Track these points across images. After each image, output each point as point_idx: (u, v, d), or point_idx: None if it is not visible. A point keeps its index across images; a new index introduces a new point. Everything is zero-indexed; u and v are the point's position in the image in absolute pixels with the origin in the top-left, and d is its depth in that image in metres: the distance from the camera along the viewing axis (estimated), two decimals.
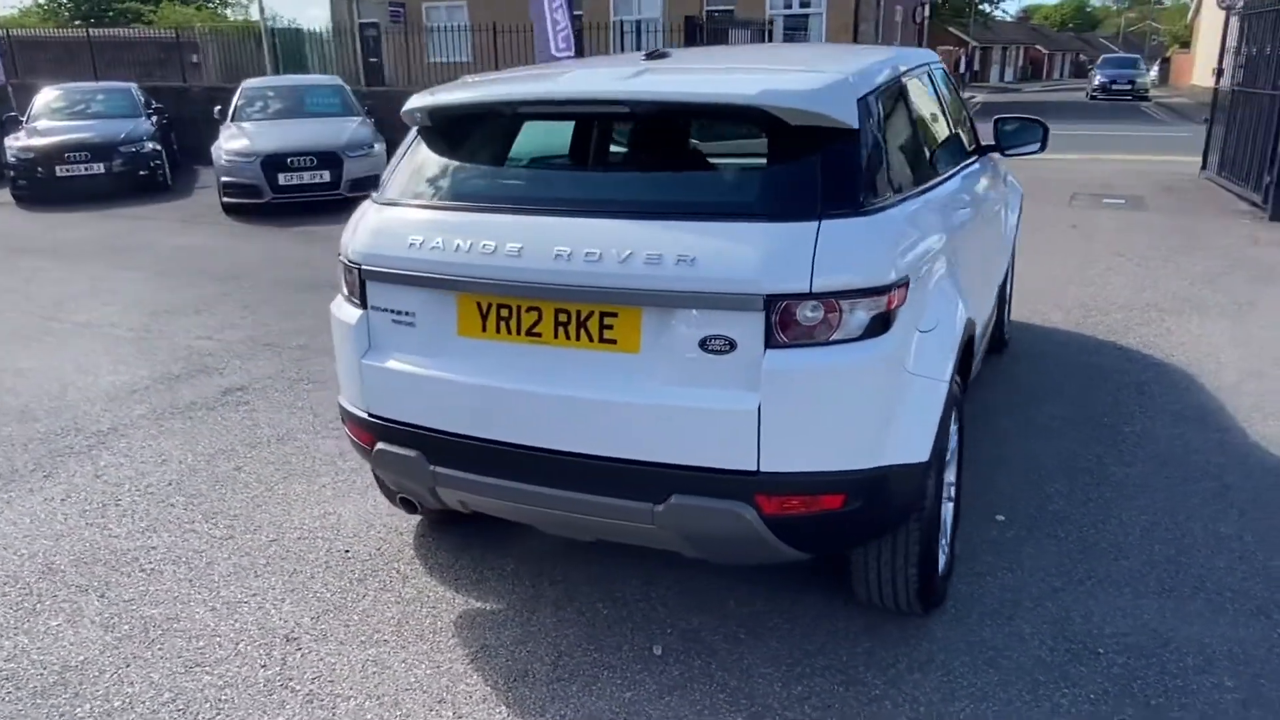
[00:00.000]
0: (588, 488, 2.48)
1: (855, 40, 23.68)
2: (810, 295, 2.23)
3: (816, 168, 2.35)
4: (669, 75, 2.64)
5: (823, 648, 2.78)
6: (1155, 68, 42.43)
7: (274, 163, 10.39)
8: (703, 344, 2.31)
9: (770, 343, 2.26)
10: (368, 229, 2.74)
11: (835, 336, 2.27)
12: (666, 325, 2.34)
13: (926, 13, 32.55)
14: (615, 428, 2.42)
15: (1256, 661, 2.67)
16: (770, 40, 14.61)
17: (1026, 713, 2.50)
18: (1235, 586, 3.04)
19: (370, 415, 2.79)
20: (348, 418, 2.91)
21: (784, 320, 2.24)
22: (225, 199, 10.69)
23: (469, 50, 21.60)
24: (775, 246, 2.25)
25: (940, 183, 3.03)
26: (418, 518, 3.61)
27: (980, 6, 48.17)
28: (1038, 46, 67.01)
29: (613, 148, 3.41)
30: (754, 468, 2.32)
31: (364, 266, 2.71)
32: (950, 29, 45.37)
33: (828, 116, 2.36)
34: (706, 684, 2.64)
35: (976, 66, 43.17)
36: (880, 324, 2.31)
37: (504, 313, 2.53)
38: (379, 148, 11.07)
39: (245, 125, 11.27)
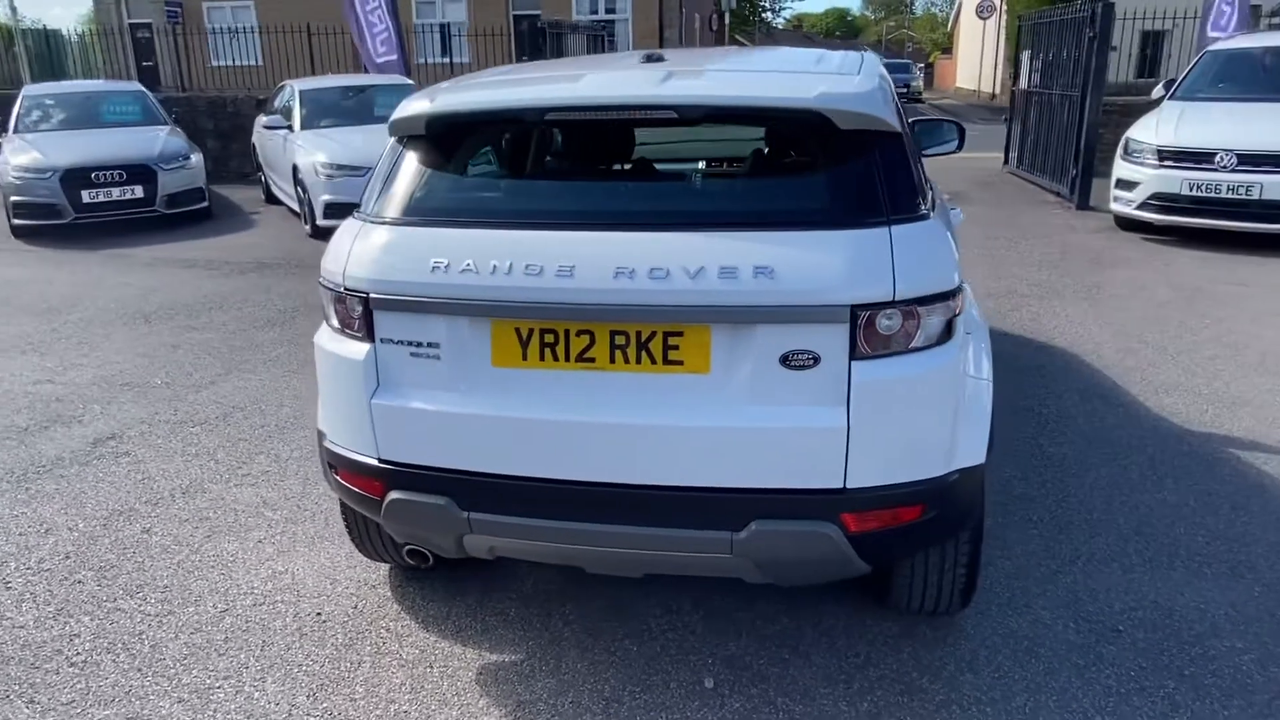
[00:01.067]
0: (655, 521, 2.31)
1: (661, 46, 24.21)
2: (893, 303, 2.17)
3: (877, 172, 2.30)
4: (704, 79, 2.51)
5: (869, 658, 2.74)
6: (920, 72, 46.04)
7: (75, 178, 9.27)
8: (784, 359, 2.20)
9: (854, 354, 2.19)
10: (374, 251, 2.43)
11: (914, 344, 2.22)
12: (741, 342, 2.21)
13: (727, 20, 33.72)
14: (686, 454, 2.26)
15: (1254, 621, 2.88)
16: (606, 45, 14.61)
17: (1083, 698, 2.56)
18: (1201, 551, 3.28)
19: (382, 462, 2.47)
20: (344, 466, 2.58)
21: (867, 330, 2.18)
22: (16, 221, 9.42)
23: (258, 53, 20.25)
24: (855, 254, 2.18)
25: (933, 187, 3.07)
26: (385, 567, 3.28)
27: (764, 14, 50.58)
28: None
29: (637, 155, 3.23)
30: (840, 485, 2.23)
31: (373, 294, 2.40)
32: (737, 37, 47.28)
33: (880, 119, 2.31)
34: (772, 713, 2.54)
35: None
36: (948, 329, 2.29)
37: (549, 338, 2.31)
38: (196, 159, 10.11)
39: (32, 137, 9.97)
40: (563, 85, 2.52)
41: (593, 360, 2.29)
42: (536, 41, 10.12)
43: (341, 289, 2.46)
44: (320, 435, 2.74)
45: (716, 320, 2.20)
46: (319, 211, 8.83)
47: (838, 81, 2.40)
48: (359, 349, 2.45)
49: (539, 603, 3.05)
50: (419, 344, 2.39)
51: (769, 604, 2.99)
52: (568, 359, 2.31)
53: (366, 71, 12.94)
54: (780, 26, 67.47)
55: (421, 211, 2.48)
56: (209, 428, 4.59)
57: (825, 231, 2.21)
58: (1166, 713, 2.50)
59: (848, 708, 2.55)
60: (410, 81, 10.90)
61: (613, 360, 2.28)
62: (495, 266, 2.28)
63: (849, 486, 2.23)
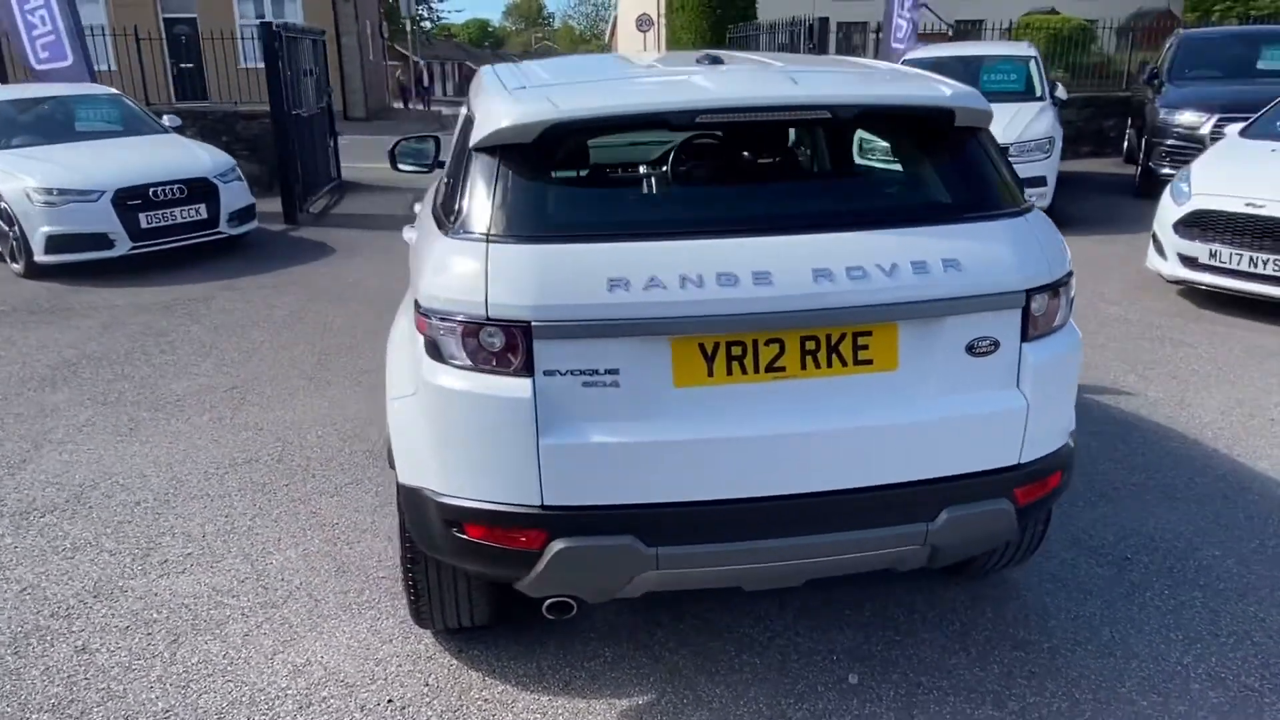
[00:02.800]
0: (849, 525, 2.29)
1: (340, 53, 23.01)
2: (1050, 285, 2.34)
3: (1000, 164, 2.46)
4: (837, 79, 2.49)
5: (965, 625, 2.91)
6: None
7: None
8: (969, 348, 2.28)
9: (1025, 336, 2.32)
10: (531, 273, 2.14)
11: (1057, 323, 2.41)
12: (929, 335, 2.26)
13: (407, 26, 32.69)
14: (881, 453, 2.27)
15: (1211, 532, 3.44)
16: (330, 49, 13.52)
17: (1147, 621, 2.91)
18: (1134, 483, 3.83)
19: (546, 509, 2.20)
20: (481, 521, 2.26)
21: (1032, 313, 2.32)
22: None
23: None
24: (1019, 241, 2.31)
25: None
26: (426, 635, 2.91)
27: (421, 24, 49.70)
28: (468, 63, 71.23)
29: (750, 157, 3.04)
30: (1016, 462, 2.36)
31: (536, 322, 2.12)
32: (396, 46, 46.06)
33: (990, 116, 2.47)
34: (925, 691, 2.61)
35: (427, 83, 44.51)
36: (1070, 307, 2.50)
37: (736, 351, 2.19)
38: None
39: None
40: (692, 86, 2.38)
41: (783, 369, 2.22)
42: (271, 45, 9.20)
43: (483, 319, 2.16)
44: (411, 492, 2.38)
45: (907, 316, 2.23)
46: (37, 246, 7.40)
47: (943, 83, 2.52)
48: (516, 385, 2.15)
49: (626, 637, 2.87)
50: (594, 372, 2.16)
51: (844, 593, 3.05)
52: (757, 370, 2.21)
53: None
54: (434, 37, 66.74)
55: (578, 226, 2.24)
56: (66, 514, 3.73)
57: (989, 222, 2.32)
58: (1211, 620, 2.93)
59: (982, 672, 2.69)
60: (115, 91, 9.44)
61: (803, 367, 2.23)
62: (685, 280, 2.13)
63: (1022, 462, 2.37)
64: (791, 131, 3.35)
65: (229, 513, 3.73)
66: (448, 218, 2.41)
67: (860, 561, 2.41)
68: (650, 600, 2.86)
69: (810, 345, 2.22)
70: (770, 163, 2.89)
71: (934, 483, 2.30)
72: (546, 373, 2.15)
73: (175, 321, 6.42)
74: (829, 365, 2.23)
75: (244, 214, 8.47)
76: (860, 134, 2.96)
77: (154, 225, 7.71)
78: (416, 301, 2.35)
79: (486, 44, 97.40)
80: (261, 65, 9.46)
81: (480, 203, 2.29)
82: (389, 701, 2.63)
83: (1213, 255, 5.95)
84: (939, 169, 2.44)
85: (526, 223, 2.24)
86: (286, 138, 9.65)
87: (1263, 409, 4.57)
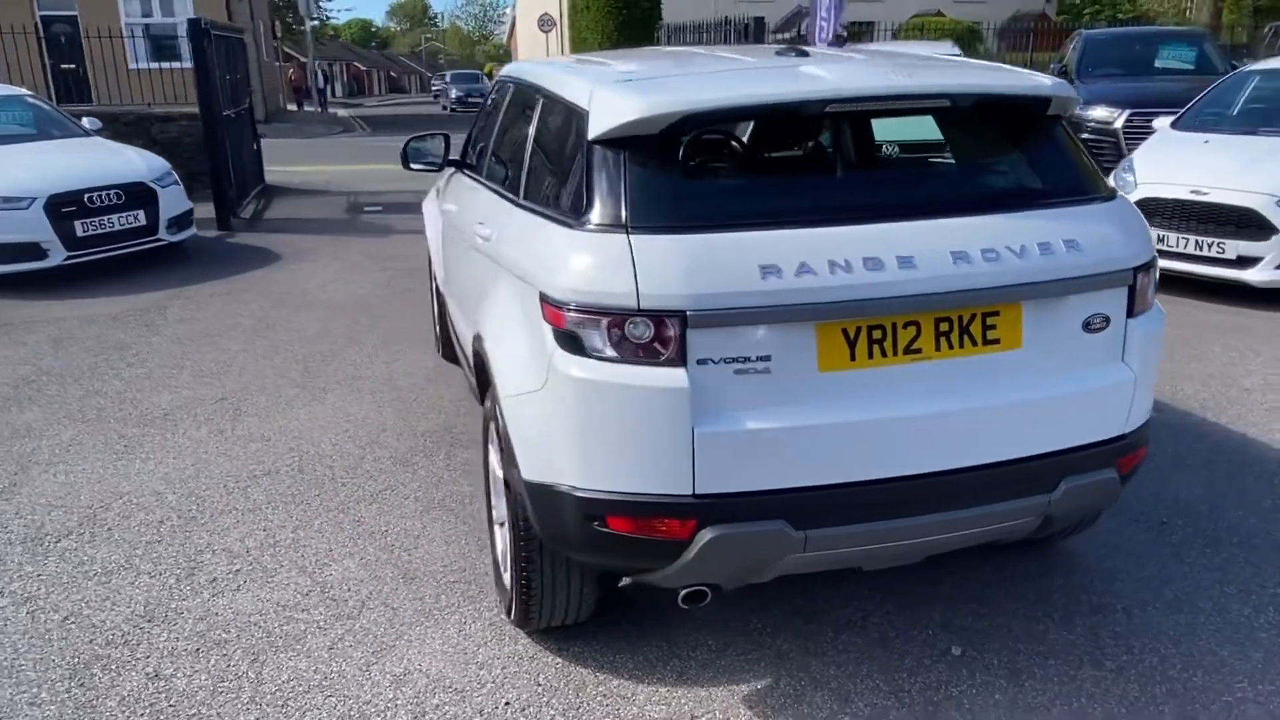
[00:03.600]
0: (977, 500, 2.37)
1: (263, 51, 22.10)
2: (1149, 264, 2.47)
3: (1083, 151, 2.58)
4: (939, 70, 2.55)
5: (1045, 592, 3.04)
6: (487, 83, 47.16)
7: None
8: (1086, 325, 2.39)
9: (1129, 313, 2.45)
10: (683, 263, 2.13)
11: (1150, 299, 2.55)
12: (1048, 312, 2.35)
13: (307, 25, 31.58)
14: (1011, 429, 2.35)
15: (1231, 494, 3.67)
16: (247, 41, 12.93)
17: (1202, 578, 3.10)
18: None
19: (698, 497, 2.21)
20: (626, 512, 2.24)
21: (1136, 289, 2.45)
22: None
23: None
24: (1123, 222, 2.44)
25: None
26: (521, 636, 2.86)
27: (312, 22, 48.15)
28: (356, 64, 69.49)
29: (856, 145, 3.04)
30: (1122, 432, 2.49)
31: (691, 311, 2.12)
32: (286, 47, 44.61)
33: (1077, 103, 2.59)
34: (1027, 657, 2.72)
35: (323, 84, 43.20)
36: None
37: (876, 334, 2.24)
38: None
39: None
40: (812, 77, 2.42)
41: (919, 351, 2.28)
42: (201, 44, 8.79)
43: (633, 310, 2.14)
44: (541, 489, 2.35)
45: (1033, 296, 2.32)
46: None
47: (1034, 74, 2.62)
48: (670, 375, 2.15)
49: (723, 626, 2.89)
50: (746, 359, 2.18)
51: (924, 572, 3.11)
52: (895, 353, 2.26)
53: None
54: (321, 37, 64.83)
55: (724, 215, 2.25)
56: (84, 538, 3.51)
57: (1096, 204, 2.44)
58: (1253, 574, 3.14)
59: (1070, 636, 2.82)
60: (26, 91, 8.85)
61: (938, 348, 2.29)
62: (834, 265, 2.17)
63: (1126, 432, 2.50)
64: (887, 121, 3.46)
65: (266, 526, 3.57)
66: (569, 210, 2.38)
67: (980, 535, 2.50)
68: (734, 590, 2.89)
69: (944, 327, 2.28)
70: (888, 151, 2.96)
71: (1056, 455, 2.40)
72: (699, 361, 2.16)
73: (133, 334, 6.08)
74: (960, 346, 2.31)
75: (183, 220, 8.08)
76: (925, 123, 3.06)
77: (91, 233, 7.27)
78: (543, 294, 2.32)
79: (373, 44, 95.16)
80: (154, 66, 9.06)
81: (612, 195, 2.27)
82: (505, 704, 2.58)
83: (1160, 240, 6.33)
84: (1039, 155, 2.55)
85: (670, 213, 2.24)
86: (218, 141, 9.24)
87: (1235, 380, 4.90)
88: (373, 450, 4.23)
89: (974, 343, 2.31)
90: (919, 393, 2.28)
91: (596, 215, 2.28)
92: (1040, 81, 2.50)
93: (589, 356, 2.22)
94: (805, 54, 2.76)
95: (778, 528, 2.24)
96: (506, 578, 2.90)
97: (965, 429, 2.32)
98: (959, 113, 2.51)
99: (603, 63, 3.00)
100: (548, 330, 2.32)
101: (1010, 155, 2.54)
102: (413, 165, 4.37)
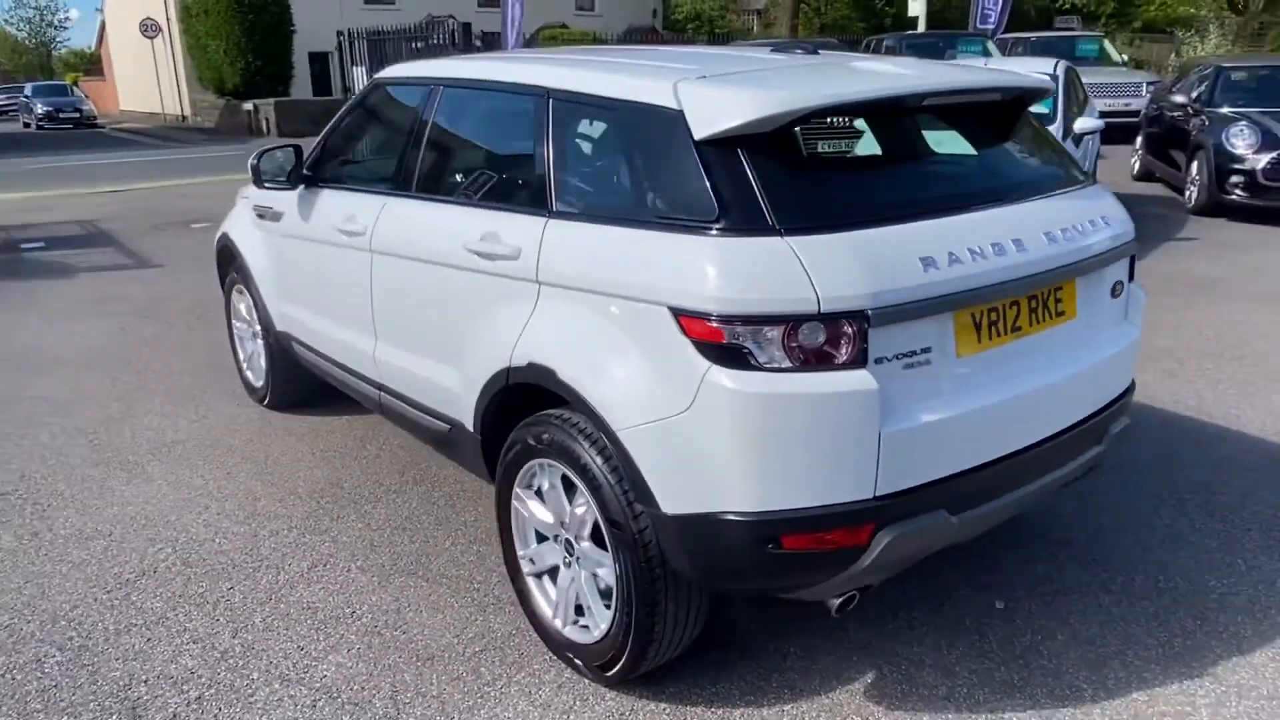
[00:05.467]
0: (1067, 458, 2.57)
1: None
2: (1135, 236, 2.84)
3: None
4: (966, 69, 2.65)
5: (1105, 558, 3.35)
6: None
7: None
8: (1112, 291, 2.69)
9: (1130, 278, 2.79)
10: (857, 260, 2.06)
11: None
12: (1092, 284, 2.61)
13: None
14: (1087, 389, 2.59)
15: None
16: None
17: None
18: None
19: (878, 499, 2.16)
20: (804, 528, 2.14)
21: (1133, 258, 2.80)
22: None
23: None
24: (1117, 201, 2.77)
25: None
26: (607, 694, 2.61)
27: None
28: None
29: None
30: (1131, 381, 2.83)
31: (872, 310, 2.06)
32: None
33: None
34: (1076, 599, 2.99)
35: None
36: None
37: (993, 316, 2.35)
38: None
39: None
40: (900, 74, 2.44)
41: (1019, 329, 2.42)
42: None
43: (813, 314, 2.04)
44: (696, 522, 2.18)
45: (1089, 268, 2.56)
46: None
47: (1026, 72, 2.88)
48: (857, 378, 2.08)
49: (792, 631, 2.84)
50: (913, 353, 2.17)
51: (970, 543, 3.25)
52: (1005, 332, 2.39)
53: None
54: None
55: (874, 210, 2.21)
56: (139, 589, 2.59)
57: (1094, 187, 2.74)
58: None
59: (1089, 573, 3.15)
60: None
61: (1031, 324, 2.45)
62: (973, 253, 2.24)
63: (1133, 384, 2.85)
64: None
65: (193, 638, 2.87)
66: (683, 216, 2.20)
67: (1051, 491, 2.71)
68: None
69: (1033, 303, 2.45)
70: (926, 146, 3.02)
71: (1105, 409, 2.68)
72: (877, 360, 2.12)
73: None
74: (1042, 320, 2.48)
75: None
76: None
77: None
78: (678, 309, 2.13)
79: None
80: None
81: (746, 196, 2.15)
82: None
83: None
84: (1043, 145, 2.80)
85: (817, 211, 2.17)
86: None
87: None
88: (261, 524, 3.57)
89: (1050, 316, 2.51)
90: (1026, 367, 2.43)
91: (733, 219, 2.13)
92: (1040, 77, 2.76)
93: (758, 369, 2.08)
94: (814, 52, 2.79)
95: (941, 518, 2.26)
96: (572, 631, 2.63)
97: (1059, 395, 2.51)
98: (1000, 108, 2.67)
99: (622, 60, 2.79)
100: (689, 347, 2.13)
101: (1031, 146, 2.77)
102: (266, 183, 3.73)
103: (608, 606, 2.52)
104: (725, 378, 2.09)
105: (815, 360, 2.08)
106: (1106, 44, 16.88)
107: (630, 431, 2.25)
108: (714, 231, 2.14)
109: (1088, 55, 16.65)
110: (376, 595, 3.08)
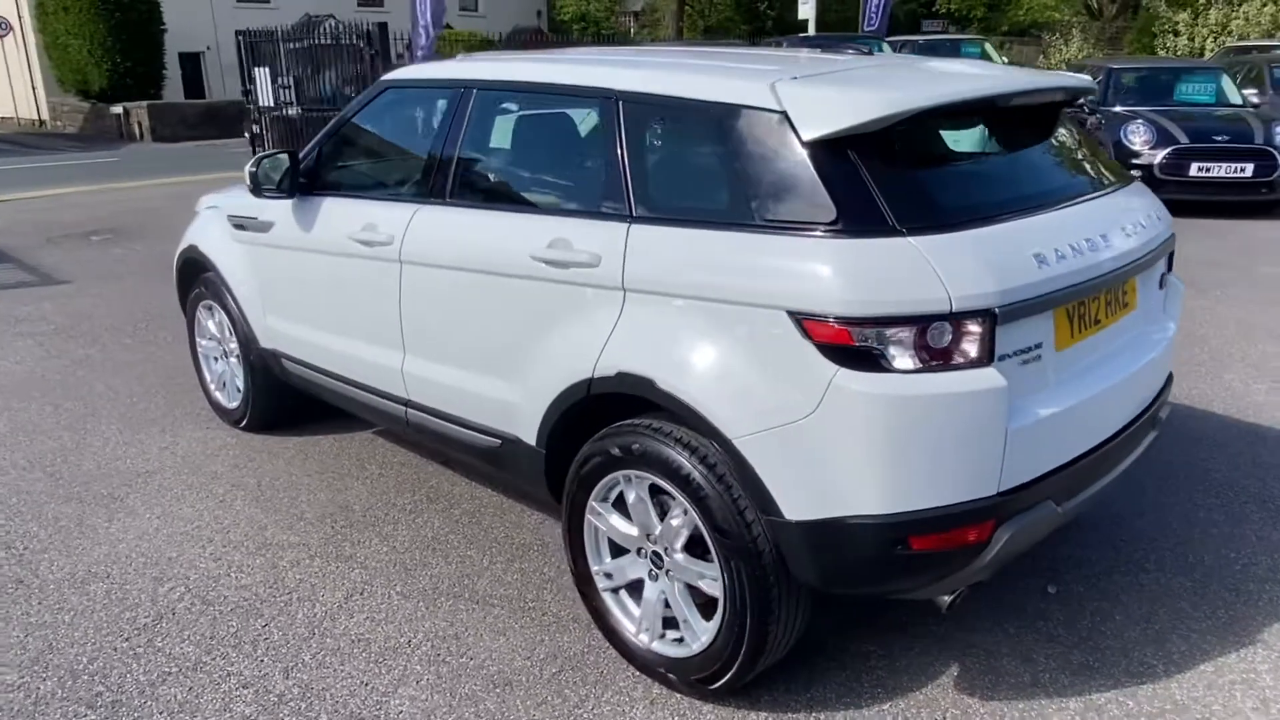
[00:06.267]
0: (1133, 445, 2.66)
1: None
2: None
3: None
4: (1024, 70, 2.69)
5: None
6: None
7: None
8: (1160, 282, 2.80)
9: (1169, 268, 2.91)
10: (978, 259, 2.09)
11: None
12: (1148, 275, 2.71)
13: None
14: (1149, 379, 2.70)
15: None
16: None
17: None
18: None
19: (1001, 495, 2.18)
20: (929, 529, 2.15)
21: (1172, 253, 2.92)
22: None
23: None
24: (1157, 199, 2.89)
25: None
26: (706, 707, 2.56)
27: None
28: None
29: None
30: (1170, 371, 2.96)
31: (1000, 308, 2.08)
32: None
33: None
34: (1129, 582, 3.11)
35: None
36: None
37: (1082, 310, 2.41)
38: None
39: None
40: (983, 75, 2.47)
41: (1099, 322, 2.49)
42: None
43: (945, 314, 2.05)
44: (822, 527, 2.16)
45: (1148, 263, 2.66)
46: None
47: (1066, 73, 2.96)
48: (986, 377, 2.10)
49: (866, 631, 2.86)
50: (1028, 349, 2.21)
51: None
52: (1089, 325, 2.45)
53: None
54: None
55: (986, 208, 2.24)
56: (163, 634, 2.31)
57: (1137, 184, 2.85)
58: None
59: (1117, 553, 3.28)
60: None
61: (1107, 316, 2.53)
62: (1074, 248, 2.29)
63: (1171, 371, 2.98)
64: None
65: (240, 680, 2.67)
66: (799, 218, 2.17)
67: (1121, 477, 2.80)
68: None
69: (1108, 296, 2.53)
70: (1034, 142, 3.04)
71: (1159, 395, 2.80)
72: (1001, 358, 2.14)
73: None
74: (1115, 312, 2.57)
75: None
76: None
77: None
78: (801, 313, 2.11)
79: None
80: None
81: (862, 196, 2.15)
82: None
83: None
84: (1089, 144, 2.90)
85: (934, 210, 2.19)
86: None
87: None
88: (277, 554, 3.34)
89: (1120, 308, 2.59)
90: (1107, 358, 2.51)
91: (853, 221, 2.12)
92: (1084, 78, 2.86)
93: (889, 371, 2.07)
94: (868, 53, 2.81)
95: (1050, 509, 2.31)
96: (662, 645, 2.58)
97: (1135, 383, 2.60)
98: (1053, 108, 2.73)
99: (681, 61, 2.72)
100: (812, 350, 2.11)
101: (1083, 144, 2.84)
102: (265, 190, 3.50)
103: (706, 618, 2.47)
104: (854, 380, 2.08)
105: (945, 360, 2.09)
106: (988, 46, 17.68)
107: (748, 439, 2.21)
108: (835, 234, 2.12)
109: (971, 57, 17.47)
110: (428, 621, 2.93)
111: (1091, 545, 3.32)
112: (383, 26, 10.14)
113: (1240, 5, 21.87)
